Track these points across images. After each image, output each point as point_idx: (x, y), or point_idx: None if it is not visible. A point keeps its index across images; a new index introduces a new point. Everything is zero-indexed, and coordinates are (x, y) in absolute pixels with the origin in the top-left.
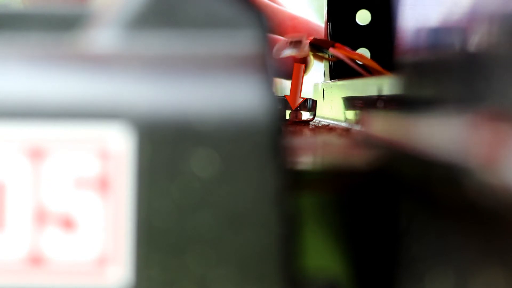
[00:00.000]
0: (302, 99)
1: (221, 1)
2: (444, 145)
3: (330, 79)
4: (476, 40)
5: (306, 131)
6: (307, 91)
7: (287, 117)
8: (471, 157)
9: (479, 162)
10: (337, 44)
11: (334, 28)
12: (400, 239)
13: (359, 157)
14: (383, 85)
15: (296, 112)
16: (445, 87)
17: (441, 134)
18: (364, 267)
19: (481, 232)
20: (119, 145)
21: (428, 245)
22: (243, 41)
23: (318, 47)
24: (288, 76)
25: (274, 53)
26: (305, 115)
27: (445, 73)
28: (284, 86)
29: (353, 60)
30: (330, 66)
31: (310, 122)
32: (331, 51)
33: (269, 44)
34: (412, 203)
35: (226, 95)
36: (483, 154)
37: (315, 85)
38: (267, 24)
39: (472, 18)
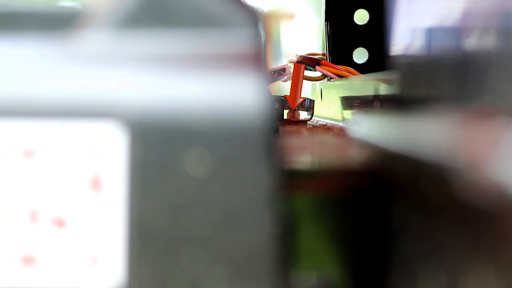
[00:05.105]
0: (302, 99)
1: (214, 0)
2: (436, 145)
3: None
4: (469, 40)
5: (303, 131)
6: (305, 91)
7: (285, 116)
8: (462, 156)
9: (470, 161)
10: (322, 62)
11: (332, 27)
12: (394, 238)
13: (353, 158)
14: (379, 85)
15: (294, 111)
16: (439, 86)
17: (433, 134)
18: (358, 266)
19: (472, 230)
20: (112, 144)
21: (420, 244)
22: (236, 40)
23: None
24: None
25: None
26: (303, 115)
27: (440, 72)
28: (282, 86)
29: (340, 76)
30: None
31: (308, 122)
32: (318, 69)
33: (264, 43)
34: (405, 203)
35: (220, 94)
36: (473, 153)
37: (313, 85)
38: (261, 22)
39: (466, 18)
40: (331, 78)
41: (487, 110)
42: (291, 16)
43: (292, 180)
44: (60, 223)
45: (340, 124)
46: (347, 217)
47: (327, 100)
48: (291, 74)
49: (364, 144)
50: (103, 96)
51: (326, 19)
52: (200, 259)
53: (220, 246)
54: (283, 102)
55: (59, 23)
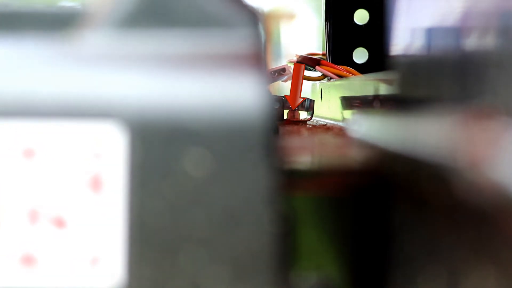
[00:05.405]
0: (302, 99)
1: (214, 0)
2: (436, 145)
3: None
4: (469, 40)
5: (303, 131)
6: (305, 91)
7: (285, 116)
8: (462, 156)
9: (470, 160)
10: (322, 62)
11: (332, 27)
12: (394, 238)
13: (353, 158)
14: (379, 85)
15: (294, 111)
16: (439, 86)
17: (433, 134)
18: (358, 266)
19: (472, 230)
20: (112, 144)
21: (420, 244)
22: (236, 40)
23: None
24: None
25: None
26: (303, 115)
27: (440, 72)
28: (282, 86)
29: (340, 76)
30: None
31: (308, 122)
32: (318, 69)
33: (264, 43)
34: (405, 203)
35: (220, 94)
36: (473, 153)
37: (313, 85)
38: (261, 22)
39: (466, 18)
40: (331, 78)
41: (487, 110)
42: (291, 16)
43: (292, 180)
44: (60, 223)
45: (340, 124)
46: (347, 217)
47: (327, 100)
48: (291, 74)
49: (364, 144)
50: (103, 96)
51: (326, 19)
52: (200, 259)
53: (220, 246)
54: (283, 102)
55: (59, 23)
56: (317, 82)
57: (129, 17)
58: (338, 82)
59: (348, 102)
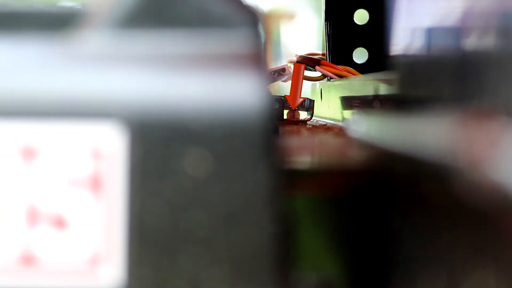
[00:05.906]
0: (302, 99)
1: (214, 0)
2: (436, 145)
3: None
4: (469, 40)
5: (303, 131)
6: (305, 91)
7: (285, 116)
8: (462, 156)
9: (470, 161)
10: (322, 62)
11: (332, 27)
12: (394, 239)
13: (353, 158)
14: (379, 85)
15: (294, 111)
16: (439, 86)
17: (434, 134)
18: (358, 266)
19: (471, 230)
20: (111, 144)
21: (420, 245)
22: (236, 40)
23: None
24: None
25: None
26: (303, 115)
27: (440, 72)
28: (282, 86)
29: (340, 76)
30: None
31: (308, 122)
32: (318, 69)
33: (264, 43)
34: (405, 203)
35: (220, 94)
36: (473, 153)
37: (313, 85)
38: (261, 22)
39: (466, 18)
40: (331, 78)
41: (487, 110)
42: (291, 16)
43: (292, 180)
44: (60, 223)
45: (340, 124)
46: (347, 217)
47: (327, 100)
48: (291, 74)
49: (364, 144)
50: (103, 96)
51: (326, 19)
52: (200, 259)
53: (220, 246)
54: (283, 102)
55: (59, 23)
56: (317, 82)
57: (129, 17)
58: (338, 82)
59: (348, 102)
